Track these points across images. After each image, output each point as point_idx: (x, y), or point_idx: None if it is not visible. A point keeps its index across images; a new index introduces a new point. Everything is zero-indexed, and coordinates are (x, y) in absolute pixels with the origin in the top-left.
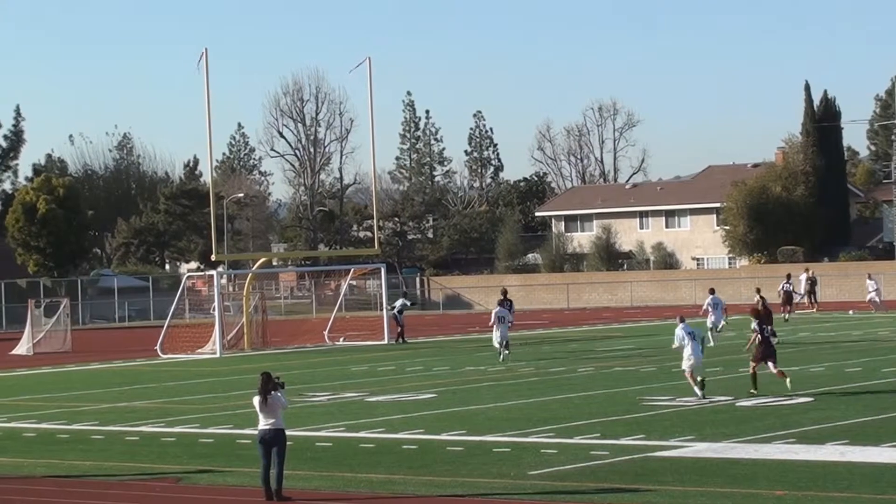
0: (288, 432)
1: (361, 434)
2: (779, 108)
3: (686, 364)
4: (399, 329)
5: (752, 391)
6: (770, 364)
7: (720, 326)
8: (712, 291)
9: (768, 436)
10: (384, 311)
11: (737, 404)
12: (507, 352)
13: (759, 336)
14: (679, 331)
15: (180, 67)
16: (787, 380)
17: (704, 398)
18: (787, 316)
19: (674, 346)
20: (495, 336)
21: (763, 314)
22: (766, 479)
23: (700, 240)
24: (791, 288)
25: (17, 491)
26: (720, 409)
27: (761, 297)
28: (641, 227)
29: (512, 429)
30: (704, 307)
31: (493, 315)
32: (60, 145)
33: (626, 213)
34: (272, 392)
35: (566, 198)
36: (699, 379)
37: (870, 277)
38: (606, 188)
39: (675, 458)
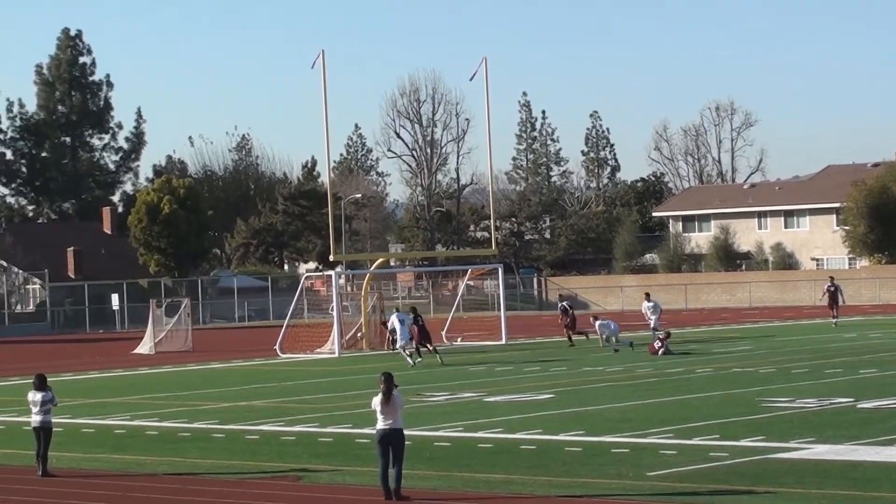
0: (406, 432)
1: (479, 434)
2: None
3: (399, 343)
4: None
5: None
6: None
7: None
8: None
9: (891, 438)
10: (503, 311)
11: (858, 406)
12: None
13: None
14: (393, 318)
15: (299, 68)
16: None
17: (414, 366)
18: (834, 320)
19: (390, 327)
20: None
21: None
22: (888, 483)
23: (819, 240)
24: (836, 289)
25: (141, 488)
26: (841, 410)
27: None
28: (760, 228)
29: (630, 429)
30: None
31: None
32: (181, 146)
33: (744, 213)
34: (394, 393)
35: (684, 198)
36: (408, 352)
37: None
38: (724, 188)
39: (795, 460)
